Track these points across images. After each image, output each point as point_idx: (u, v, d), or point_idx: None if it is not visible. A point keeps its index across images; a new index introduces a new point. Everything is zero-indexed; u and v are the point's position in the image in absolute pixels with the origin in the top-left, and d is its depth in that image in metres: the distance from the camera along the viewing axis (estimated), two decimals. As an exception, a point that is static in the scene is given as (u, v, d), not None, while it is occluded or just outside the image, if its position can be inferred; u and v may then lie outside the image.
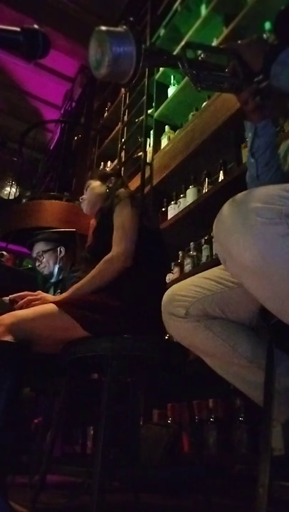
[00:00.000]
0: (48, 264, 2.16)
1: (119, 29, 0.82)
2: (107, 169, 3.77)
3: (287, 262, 0.67)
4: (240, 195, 0.75)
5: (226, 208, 0.74)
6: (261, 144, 1.02)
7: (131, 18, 0.84)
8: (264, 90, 0.90)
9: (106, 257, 1.40)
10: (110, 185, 1.75)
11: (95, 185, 1.78)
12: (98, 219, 1.63)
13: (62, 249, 2.16)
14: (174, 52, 2.72)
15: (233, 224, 0.71)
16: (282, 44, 0.89)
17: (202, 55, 0.98)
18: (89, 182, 1.81)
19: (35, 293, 1.45)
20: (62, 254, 2.15)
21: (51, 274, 2.15)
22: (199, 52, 0.97)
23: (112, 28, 0.82)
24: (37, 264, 2.18)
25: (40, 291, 1.47)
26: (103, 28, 0.82)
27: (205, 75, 0.90)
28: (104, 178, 1.80)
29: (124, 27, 0.82)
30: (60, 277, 2.13)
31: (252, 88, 0.91)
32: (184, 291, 1.01)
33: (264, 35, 2.22)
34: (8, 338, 1.21)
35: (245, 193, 0.75)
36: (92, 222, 1.72)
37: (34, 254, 2.20)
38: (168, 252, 1.62)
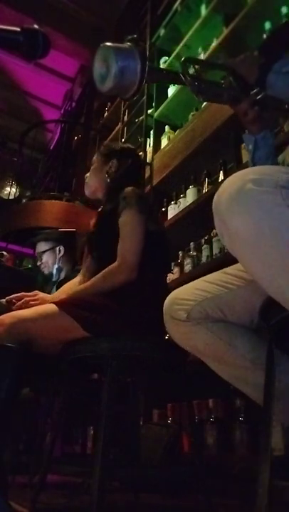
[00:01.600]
0: (48, 263, 2.16)
1: (124, 45, 0.86)
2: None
3: (278, 231, 0.68)
4: (239, 171, 0.76)
5: (226, 182, 0.76)
6: (262, 155, 1.04)
7: (135, 36, 0.87)
8: (261, 101, 0.94)
9: (110, 268, 1.37)
10: (112, 170, 1.60)
11: (97, 166, 1.65)
12: (100, 216, 1.59)
13: (62, 248, 2.16)
14: (175, 52, 2.71)
15: (230, 193, 0.72)
16: (276, 56, 0.92)
17: (197, 69, 1.01)
18: (94, 159, 1.68)
19: (32, 293, 1.44)
20: (61, 254, 2.15)
21: (51, 273, 2.16)
22: (197, 67, 1.00)
23: (117, 44, 0.86)
24: (38, 263, 2.20)
25: (37, 292, 1.46)
26: (108, 43, 0.86)
27: (206, 87, 0.94)
28: (107, 156, 1.64)
29: (129, 43, 0.86)
30: (63, 276, 2.13)
31: (250, 99, 0.94)
32: (185, 294, 1.01)
33: (264, 37, 2.22)
34: (8, 340, 1.21)
35: (245, 169, 0.77)
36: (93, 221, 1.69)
37: (36, 254, 2.22)
38: (169, 253, 1.61)
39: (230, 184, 0.74)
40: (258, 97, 0.93)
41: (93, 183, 1.65)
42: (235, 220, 0.71)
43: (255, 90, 0.92)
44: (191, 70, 0.97)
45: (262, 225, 0.68)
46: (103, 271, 1.38)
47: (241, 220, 0.70)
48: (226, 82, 0.96)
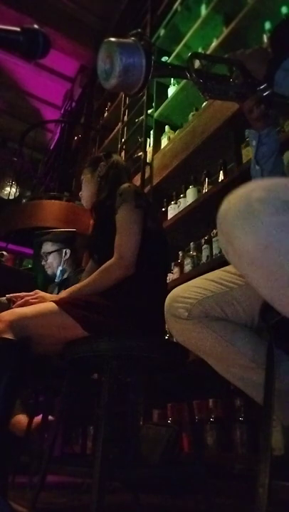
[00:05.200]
0: (52, 265, 2.19)
1: (128, 40, 0.83)
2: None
3: (285, 251, 0.67)
4: (244, 186, 0.74)
5: (231, 198, 0.74)
6: (266, 151, 1.03)
7: (139, 30, 0.85)
8: (268, 98, 0.92)
9: (107, 264, 1.37)
10: (101, 173, 1.65)
11: (88, 177, 1.70)
12: (97, 214, 1.59)
13: (68, 251, 2.19)
14: (175, 52, 2.69)
15: (237, 212, 0.71)
16: (286, 52, 0.90)
17: (204, 64, 0.99)
18: (83, 175, 1.73)
19: (32, 292, 1.44)
20: (67, 257, 2.18)
21: (54, 274, 2.17)
22: (204, 62, 0.98)
23: (121, 40, 0.83)
24: (42, 263, 2.22)
25: (37, 290, 1.46)
26: (112, 39, 0.83)
27: (212, 84, 0.92)
28: (94, 165, 1.70)
29: (134, 38, 0.83)
30: (65, 277, 2.14)
31: (256, 96, 0.92)
32: (185, 292, 1.01)
33: (264, 37, 2.22)
34: (8, 335, 1.21)
35: (250, 183, 0.75)
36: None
37: (41, 253, 2.23)
38: (169, 252, 1.61)
39: (235, 202, 0.72)
40: (265, 94, 0.91)
41: (88, 192, 1.69)
42: (242, 240, 0.70)
43: (262, 87, 0.90)
44: (198, 65, 0.95)
45: (271, 245, 0.67)
46: (100, 268, 1.38)
47: (248, 240, 0.69)
48: (233, 78, 0.93)
